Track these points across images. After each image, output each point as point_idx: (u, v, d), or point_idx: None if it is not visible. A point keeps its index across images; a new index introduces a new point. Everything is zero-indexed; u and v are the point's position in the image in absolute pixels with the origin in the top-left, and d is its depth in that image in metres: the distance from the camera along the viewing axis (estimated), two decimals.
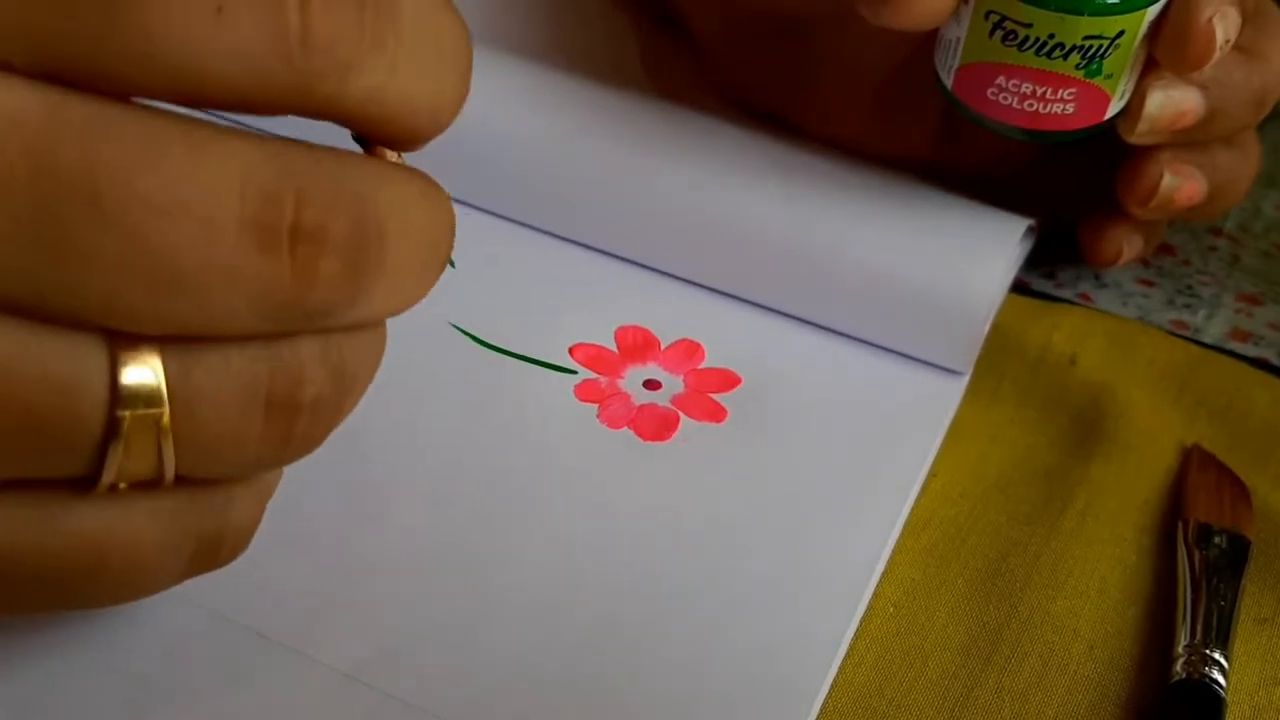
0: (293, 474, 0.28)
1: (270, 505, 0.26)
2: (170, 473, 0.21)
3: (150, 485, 0.22)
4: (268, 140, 0.20)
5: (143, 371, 0.20)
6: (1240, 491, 0.33)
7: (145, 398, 0.20)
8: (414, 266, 0.22)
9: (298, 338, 0.21)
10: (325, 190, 0.20)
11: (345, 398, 0.23)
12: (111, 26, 0.19)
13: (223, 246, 0.20)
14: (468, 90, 0.23)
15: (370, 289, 0.21)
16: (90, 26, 0.19)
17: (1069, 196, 0.37)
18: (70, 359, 0.20)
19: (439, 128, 0.23)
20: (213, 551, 0.23)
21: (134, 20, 0.19)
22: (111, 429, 0.20)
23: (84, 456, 0.21)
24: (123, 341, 0.20)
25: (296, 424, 0.22)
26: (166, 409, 0.21)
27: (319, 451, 0.26)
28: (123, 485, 0.21)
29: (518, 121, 0.35)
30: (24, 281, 0.19)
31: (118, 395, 0.20)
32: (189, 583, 0.28)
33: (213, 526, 0.23)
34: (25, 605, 0.23)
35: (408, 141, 0.23)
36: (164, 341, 0.20)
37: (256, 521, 0.24)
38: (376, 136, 0.22)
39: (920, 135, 0.36)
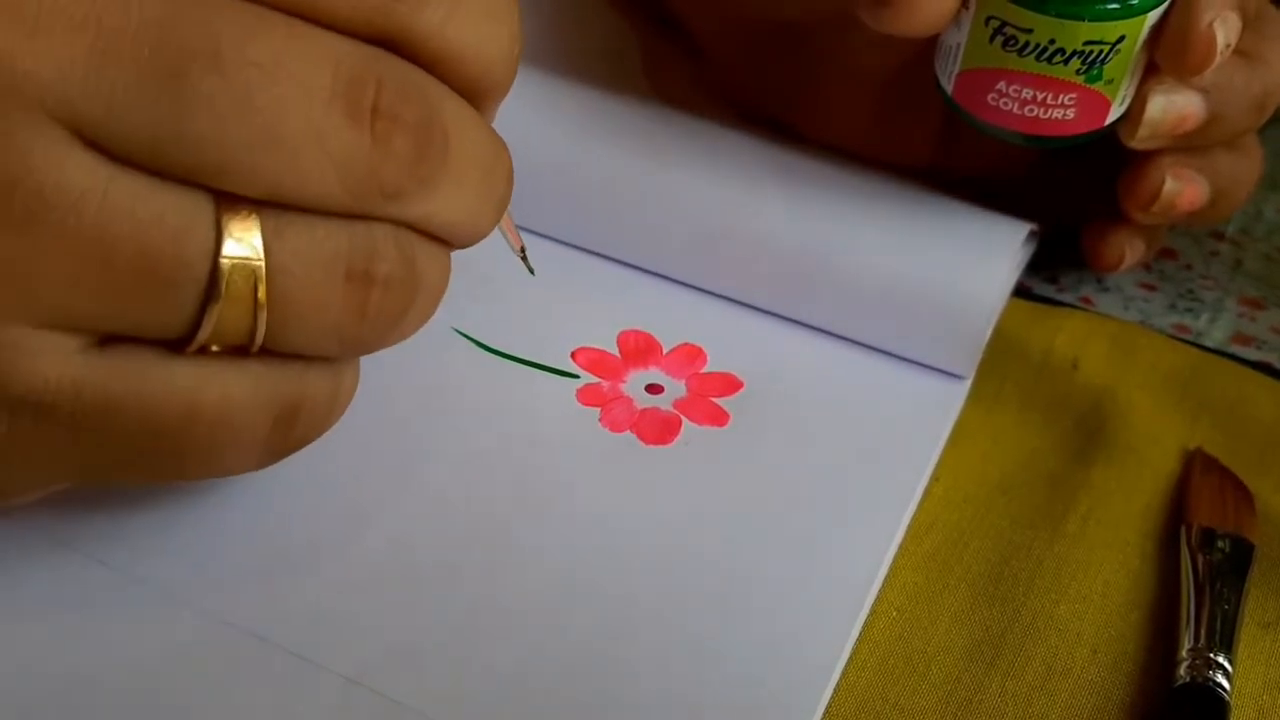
0: (295, 480, 0.28)
1: (272, 511, 0.26)
2: (260, 335, 0.24)
3: (239, 352, 0.24)
4: (356, 40, 0.24)
5: (243, 225, 0.23)
6: (1243, 495, 0.33)
7: (244, 251, 0.23)
8: (473, 180, 0.25)
9: (374, 223, 0.24)
10: (401, 83, 0.23)
11: (414, 293, 0.25)
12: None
13: (316, 110, 0.23)
14: (518, 49, 0.26)
15: (435, 183, 0.24)
16: None
17: (1070, 201, 0.37)
18: (182, 208, 0.23)
19: (495, 84, 0.26)
20: (289, 424, 0.25)
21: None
22: (213, 283, 0.23)
23: (186, 309, 0.23)
24: (227, 200, 0.23)
25: (370, 297, 0.24)
26: (263, 264, 0.23)
27: (324, 454, 0.27)
28: (215, 348, 0.24)
29: (519, 127, 0.35)
30: (146, 131, 0.22)
31: (221, 244, 0.23)
32: (192, 585, 0.28)
33: (291, 400, 0.25)
34: (124, 463, 0.25)
35: (459, 244, 0.26)
36: (261, 205, 0.23)
37: (332, 408, 0.26)
38: None
39: (921, 140, 0.36)
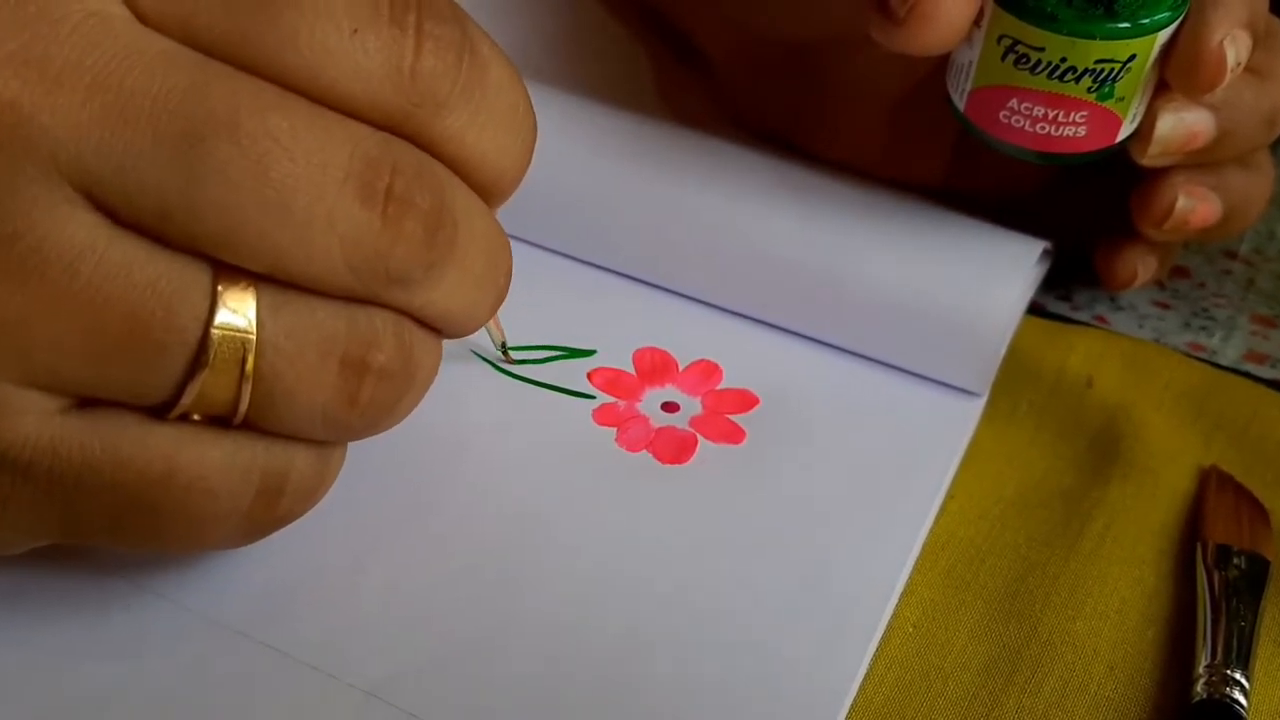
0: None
1: (294, 527, 0.26)
2: (244, 407, 0.23)
3: (221, 422, 0.24)
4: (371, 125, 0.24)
5: (239, 297, 0.23)
6: (1259, 513, 0.33)
7: (237, 325, 0.23)
8: (477, 271, 0.25)
9: (374, 309, 0.24)
10: (415, 170, 0.24)
11: (408, 385, 0.25)
12: (266, 26, 0.22)
13: (330, 189, 0.23)
14: (529, 162, 0.26)
15: (442, 269, 0.24)
16: (249, 22, 0.22)
17: (1083, 219, 0.37)
18: (178, 275, 0.23)
19: (503, 188, 0.26)
20: (272, 503, 0.25)
21: (286, 22, 0.22)
22: (201, 351, 0.23)
23: (171, 375, 0.23)
24: (226, 271, 0.23)
25: (364, 387, 0.24)
26: (254, 337, 0.23)
27: (344, 473, 0.27)
28: (196, 417, 0.24)
29: (536, 147, 0.35)
30: (155, 195, 0.22)
31: (214, 314, 0.23)
32: (212, 599, 0.28)
33: (275, 474, 0.25)
34: (103, 525, 0.24)
35: (452, 336, 0.26)
36: (261, 280, 0.23)
37: (317, 485, 0.26)
38: None
39: (934, 159, 0.37)
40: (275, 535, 0.26)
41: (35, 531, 0.25)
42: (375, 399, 0.24)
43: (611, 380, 0.34)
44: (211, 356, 0.23)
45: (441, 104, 0.24)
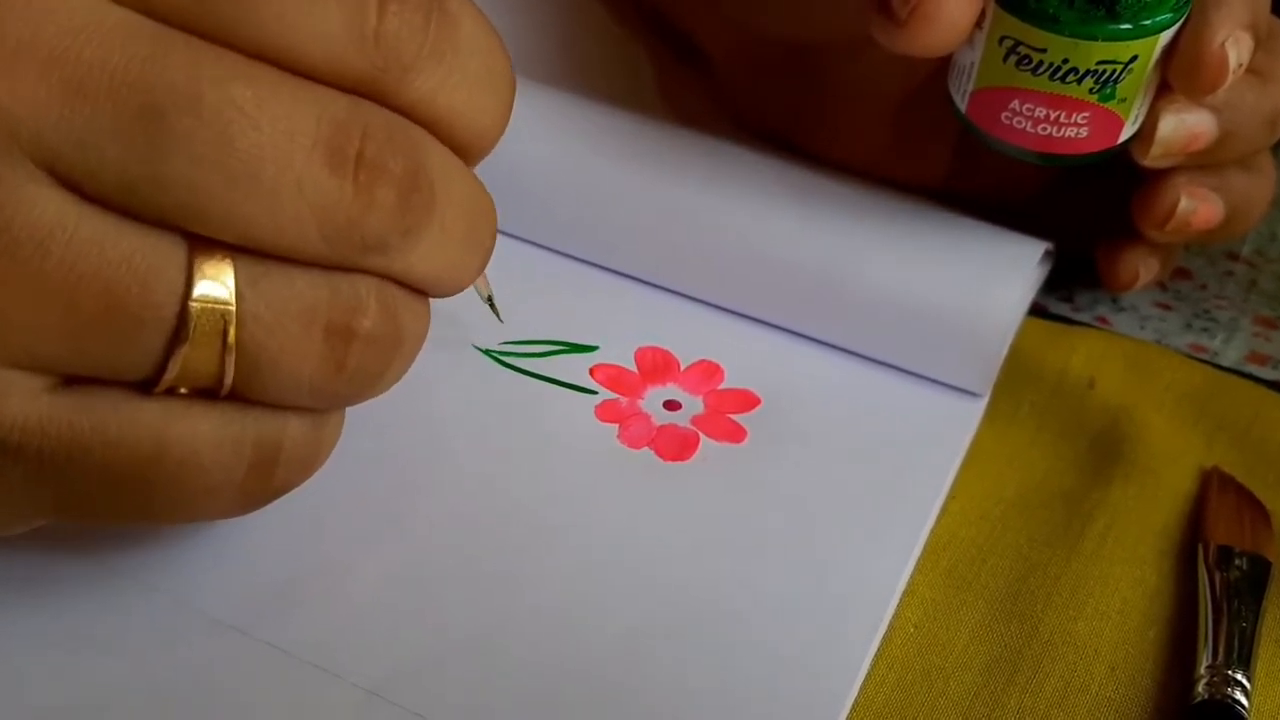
0: (316, 492, 0.28)
1: (291, 523, 0.26)
2: (229, 379, 0.23)
3: (208, 394, 0.24)
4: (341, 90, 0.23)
5: (216, 269, 0.22)
6: (1260, 514, 0.33)
7: (215, 296, 0.22)
8: (459, 231, 0.25)
9: (356, 275, 0.24)
10: (387, 133, 0.23)
11: (395, 349, 0.25)
12: None
13: (297, 157, 0.22)
14: (508, 119, 0.25)
15: (419, 233, 0.24)
16: None
17: (1085, 220, 0.37)
18: (152, 249, 0.22)
19: (482, 147, 0.25)
20: (267, 473, 0.25)
21: None
22: (181, 325, 0.22)
23: (153, 350, 0.23)
24: (200, 244, 0.22)
25: (350, 352, 0.24)
26: (234, 308, 0.22)
27: (344, 468, 0.27)
28: (183, 390, 0.23)
29: (536, 146, 0.36)
30: (120, 170, 0.21)
31: (191, 287, 0.22)
32: (213, 597, 0.28)
33: (267, 444, 0.24)
34: (96, 501, 0.24)
35: (437, 297, 0.26)
36: (237, 252, 0.23)
37: (313, 454, 0.26)
38: None
39: (935, 160, 0.37)
40: (275, 532, 0.26)
41: (29, 511, 0.25)
42: (362, 365, 0.24)
43: (614, 377, 0.34)
44: (191, 329, 0.22)
45: (409, 66, 0.23)
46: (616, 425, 0.33)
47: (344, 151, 0.23)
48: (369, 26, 0.23)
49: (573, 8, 0.43)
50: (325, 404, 0.25)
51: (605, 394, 0.34)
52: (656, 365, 0.35)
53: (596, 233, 0.36)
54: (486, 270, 0.28)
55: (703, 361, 0.35)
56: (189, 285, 0.22)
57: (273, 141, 0.22)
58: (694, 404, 0.34)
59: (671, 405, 0.34)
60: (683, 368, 0.35)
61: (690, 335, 0.35)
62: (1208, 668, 0.29)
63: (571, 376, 0.34)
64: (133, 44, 0.21)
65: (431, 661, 0.28)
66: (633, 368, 0.34)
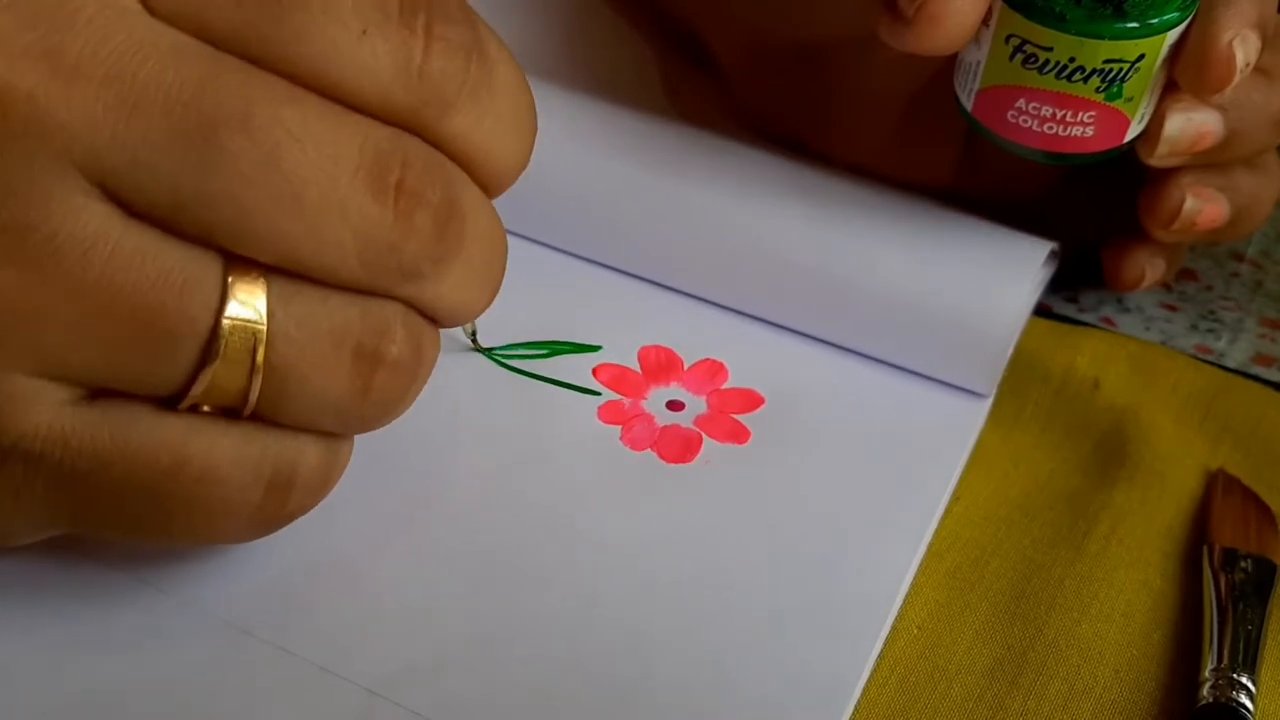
0: None
1: (298, 525, 0.26)
2: (253, 398, 0.23)
3: (231, 414, 0.24)
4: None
5: (250, 288, 0.23)
6: (1266, 516, 0.33)
7: (248, 315, 0.23)
8: (481, 264, 0.25)
9: (385, 301, 0.24)
10: (426, 165, 0.24)
11: (416, 374, 0.25)
12: (277, 24, 0.23)
13: (342, 181, 0.23)
14: (529, 160, 0.26)
15: (449, 263, 0.25)
16: (259, 18, 0.23)
17: (1091, 220, 0.37)
18: (189, 266, 0.23)
19: (503, 184, 0.26)
20: (283, 496, 0.25)
21: (295, 21, 0.23)
22: (212, 341, 0.23)
23: (182, 366, 0.23)
24: (237, 263, 0.23)
25: (376, 377, 0.24)
26: (265, 328, 0.23)
27: (347, 472, 0.27)
28: (206, 408, 0.24)
29: (543, 144, 0.35)
30: (168, 186, 0.22)
31: (225, 305, 0.23)
32: (218, 597, 0.28)
33: (285, 466, 0.25)
34: (113, 516, 0.24)
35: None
36: (272, 272, 0.23)
37: (326, 479, 0.26)
38: None
39: (942, 160, 0.36)
40: (279, 533, 0.26)
41: (46, 521, 0.25)
42: (387, 389, 0.25)
43: (617, 377, 0.34)
44: (222, 346, 0.23)
45: (449, 104, 0.24)
46: (619, 427, 0.33)
47: (385, 179, 0.23)
48: (415, 63, 0.23)
49: (580, 8, 0.43)
50: (346, 427, 0.25)
51: (608, 395, 0.34)
52: (660, 364, 0.34)
53: (601, 232, 0.36)
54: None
55: (706, 361, 0.35)
56: (223, 302, 0.23)
57: (319, 164, 0.23)
58: (697, 404, 0.34)
59: (675, 405, 0.34)
60: (686, 367, 0.35)
61: (694, 334, 0.35)
62: (1212, 670, 0.29)
63: (574, 377, 0.34)
64: (187, 65, 0.22)
65: (435, 662, 0.28)
66: (636, 367, 0.34)
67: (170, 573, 0.29)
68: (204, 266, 0.23)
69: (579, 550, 0.30)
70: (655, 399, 0.34)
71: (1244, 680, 0.29)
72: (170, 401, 0.24)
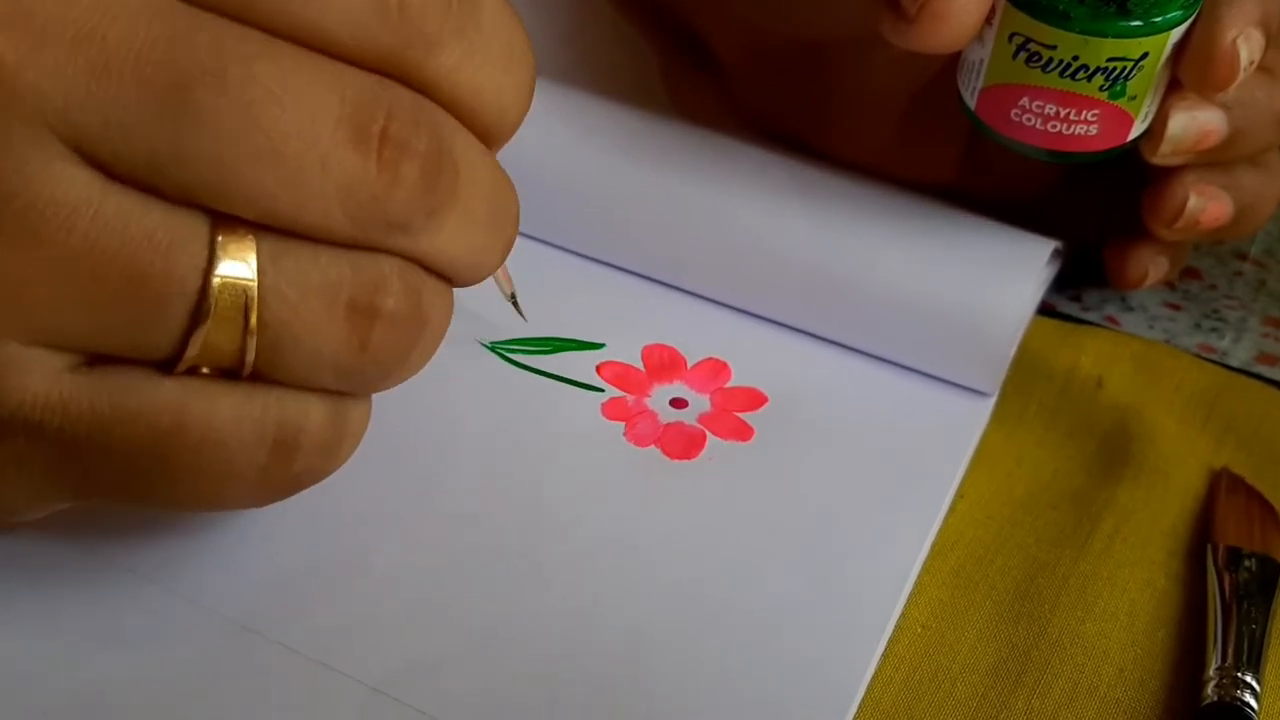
0: (320, 490, 0.28)
1: (297, 520, 0.26)
2: (250, 358, 0.23)
3: (230, 375, 0.24)
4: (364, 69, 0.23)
5: (239, 246, 0.22)
6: (1269, 515, 0.32)
7: (238, 273, 0.22)
8: (482, 215, 0.25)
9: (380, 255, 0.24)
10: (411, 112, 0.23)
11: (419, 331, 0.24)
12: None
13: (321, 134, 0.22)
14: (529, 101, 0.25)
15: (443, 214, 0.24)
16: None
17: (1094, 218, 0.37)
18: (175, 226, 0.22)
19: (504, 129, 0.25)
20: (288, 456, 0.24)
21: None
22: (202, 301, 0.22)
23: (174, 328, 0.23)
24: (224, 221, 0.22)
25: (373, 331, 0.24)
26: (256, 285, 0.22)
27: (350, 465, 0.27)
28: (205, 370, 0.23)
29: (543, 142, 0.35)
30: (145, 147, 0.22)
31: (214, 264, 0.22)
32: (219, 593, 0.28)
33: (289, 425, 0.24)
34: (116, 482, 0.24)
35: (462, 284, 0.26)
36: (261, 229, 0.23)
37: (337, 441, 0.25)
38: None
39: (944, 158, 0.36)
40: (281, 528, 0.26)
41: (51, 493, 0.25)
42: (386, 344, 0.24)
43: (620, 375, 0.34)
44: (213, 306, 0.23)
45: (433, 42, 0.23)
46: (623, 423, 0.33)
47: (368, 129, 0.23)
48: (393, 0, 0.23)
49: (581, 6, 0.43)
50: (350, 385, 0.25)
51: (612, 391, 0.34)
52: (663, 363, 0.34)
53: (603, 230, 0.36)
54: (509, 267, 0.27)
55: (710, 359, 0.35)
56: (211, 262, 0.22)
57: (296, 118, 0.22)
58: (701, 402, 0.34)
59: (678, 403, 0.34)
60: (690, 365, 0.35)
61: (698, 333, 0.35)
62: (1217, 670, 0.29)
63: (578, 374, 0.34)
64: (158, 23, 0.22)
65: (436, 659, 0.28)
66: (639, 365, 0.34)
67: (172, 570, 0.29)
68: (190, 227, 0.22)
69: (582, 546, 0.30)
70: (658, 396, 0.34)
71: (1248, 679, 0.29)
72: (167, 365, 0.23)
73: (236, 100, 0.22)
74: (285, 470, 0.25)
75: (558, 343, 0.34)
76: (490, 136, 0.25)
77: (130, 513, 0.29)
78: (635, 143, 0.36)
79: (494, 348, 0.34)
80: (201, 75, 0.22)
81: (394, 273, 0.24)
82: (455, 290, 0.26)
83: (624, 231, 0.36)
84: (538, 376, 0.34)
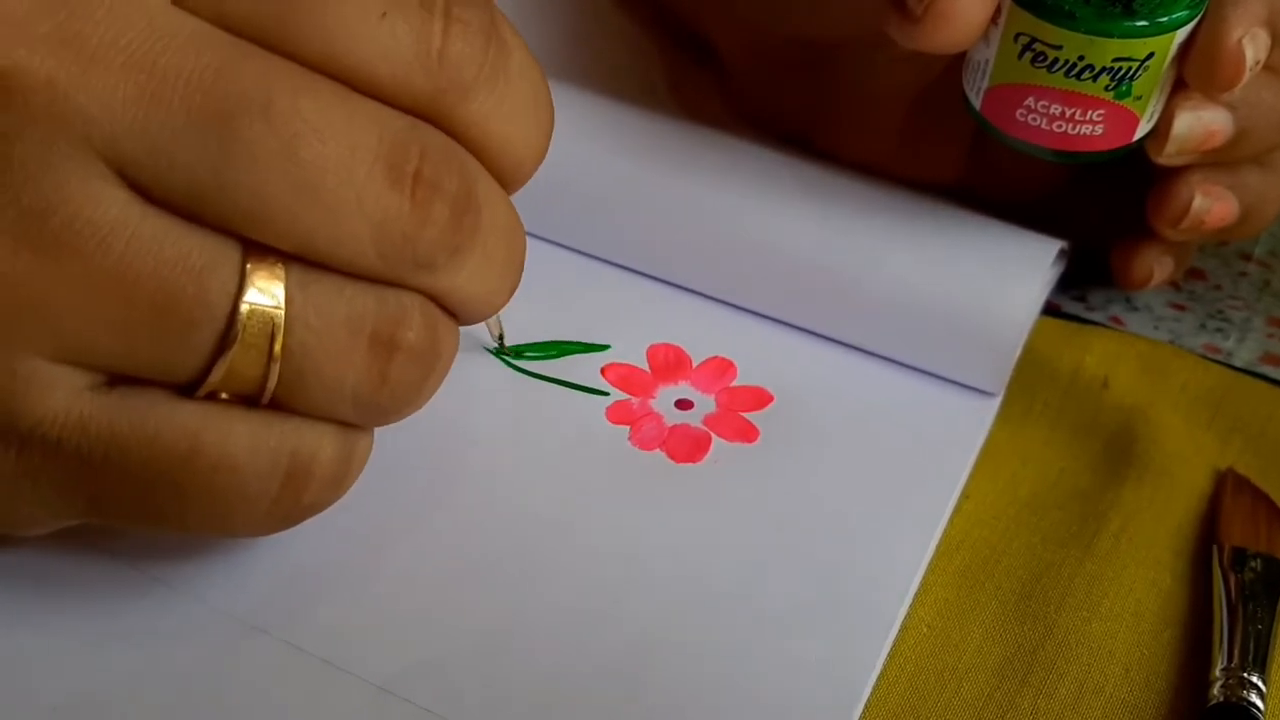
0: None
1: (309, 522, 0.26)
2: (271, 385, 0.23)
3: (248, 402, 0.24)
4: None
5: (269, 275, 0.23)
6: (1275, 515, 0.32)
7: (266, 301, 0.23)
8: (499, 256, 0.25)
9: (403, 291, 0.24)
10: (443, 154, 0.24)
11: (433, 366, 0.25)
12: (296, 8, 0.23)
13: (359, 170, 0.23)
14: (546, 152, 0.26)
15: (465, 254, 0.24)
16: (278, 3, 0.23)
17: (1099, 218, 0.37)
18: (208, 252, 0.23)
19: (522, 174, 0.26)
20: (300, 486, 0.25)
21: (315, 5, 0.23)
22: (230, 327, 0.23)
23: (200, 352, 0.23)
24: (255, 250, 0.23)
25: (393, 363, 0.24)
26: (283, 313, 0.23)
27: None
28: (225, 395, 0.24)
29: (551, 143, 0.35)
30: (186, 174, 0.22)
31: (243, 291, 0.23)
32: (228, 593, 0.28)
33: (303, 456, 0.25)
34: (129, 503, 0.24)
35: (467, 323, 0.27)
36: (290, 260, 0.23)
37: (344, 473, 0.26)
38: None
39: (949, 158, 0.36)
40: (293, 530, 0.26)
41: (63, 509, 0.25)
42: (404, 377, 0.25)
43: (625, 376, 0.34)
44: (240, 332, 0.23)
45: (468, 88, 0.24)
46: (628, 427, 0.33)
47: (403, 169, 0.23)
48: (434, 46, 0.23)
49: (585, 6, 0.43)
50: (364, 417, 0.25)
51: (617, 395, 0.34)
52: (669, 362, 0.34)
53: (608, 230, 0.36)
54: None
55: (715, 359, 0.35)
56: (241, 288, 0.23)
57: (336, 154, 0.23)
58: (706, 402, 0.34)
59: (684, 404, 0.34)
60: (695, 365, 0.35)
61: (702, 332, 0.35)
62: (1223, 670, 0.29)
63: (583, 377, 0.34)
64: (206, 53, 0.22)
65: (443, 659, 0.28)
66: (645, 366, 0.34)
67: (181, 570, 0.29)
68: (222, 253, 0.23)
69: (587, 550, 0.30)
70: (664, 398, 0.34)
71: (1254, 680, 0.29)
72: (188, 389, 0.24)
73: (279, 132, 0.22)
74: (295, 500, 0.25)
75: (563, 346, 0.34)
76: (508, 181, 0.26)
77: None
78: (639, 141, 0.36)
79: (499, 353, 0.34)
80: (247, 106, 0.22)
81: (415, 308, 0.25)
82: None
83: (628, 231, 0.36)
84: (542, 382, 0.34)
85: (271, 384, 0.24)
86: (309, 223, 0.23)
